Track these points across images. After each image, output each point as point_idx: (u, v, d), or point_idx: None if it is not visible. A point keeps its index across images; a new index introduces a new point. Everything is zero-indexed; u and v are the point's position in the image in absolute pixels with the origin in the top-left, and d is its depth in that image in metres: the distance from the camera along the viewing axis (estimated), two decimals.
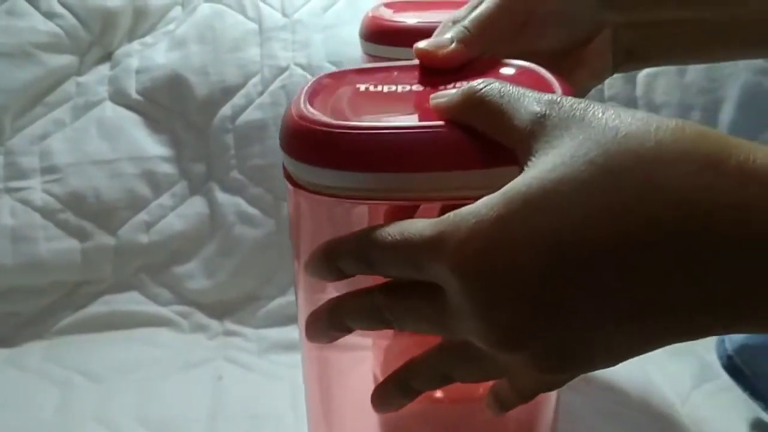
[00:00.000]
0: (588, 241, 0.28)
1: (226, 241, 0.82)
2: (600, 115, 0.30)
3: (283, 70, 0.86)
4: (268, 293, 0.82)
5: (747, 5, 0.45)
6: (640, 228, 0.27)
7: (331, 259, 0.36)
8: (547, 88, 0.38)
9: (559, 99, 0.32)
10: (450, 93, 0.36)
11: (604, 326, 0.29)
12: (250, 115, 0.85)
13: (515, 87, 0.34)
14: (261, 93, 0.85)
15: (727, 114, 0.85)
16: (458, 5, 0.75)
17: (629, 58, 0.48)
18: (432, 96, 0.37)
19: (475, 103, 0.34)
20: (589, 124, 0.30)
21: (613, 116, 0.30)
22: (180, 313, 0.81)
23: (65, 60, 0.88)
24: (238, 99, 0.85)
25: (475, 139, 0.34)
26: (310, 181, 0.36)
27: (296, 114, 0.37)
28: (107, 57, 0.90)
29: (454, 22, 0.46)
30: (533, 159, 0.30)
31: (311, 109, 0.37)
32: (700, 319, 0.29)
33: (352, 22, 0.87)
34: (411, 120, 0.37)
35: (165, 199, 0.83)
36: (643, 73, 0.86)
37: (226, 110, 0.85)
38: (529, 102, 0.32)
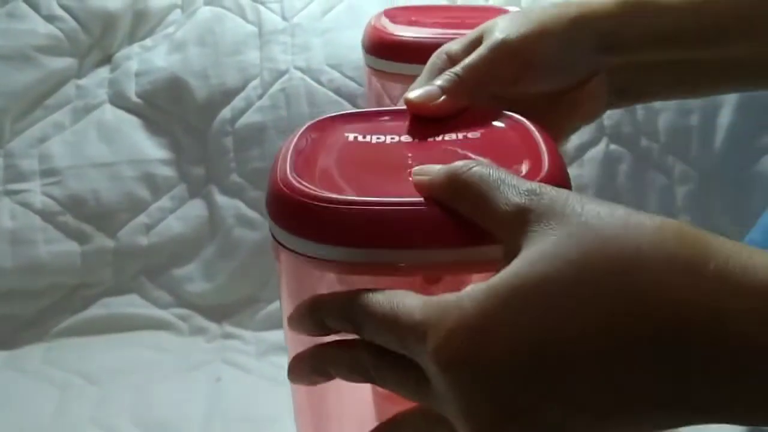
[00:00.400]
0: (566, 344, 0.28)
1: (226, 243, 0.82)
2: (579, 211, 0.30)
3: (282, 73, 0.87)
4: (266, 296, 0.82)
5: (738, 46, 0.46)
6: (617, 334, 0.28)
7: (317, 316, 0.36)
8: (531, 143, 0.38)
9: (538, 190, 0.32)
10: (432, 170, 0.36)
11: (582, 424, 0.29)
12: (250, 118, 0.85)
13: (497, 172, 0.34)
14: (260, 96, 0.86)
15: (725, 117, 0.86)
16: (457, 11, 0.75)
17: (622, 97, 0.48)
18: (414, 171, 0.37)
19: (456, 186, 0.34)
20: (568, 222, 0.30)
21: (593, 215, 0.30)
22: (179, 315, 0.81)
23: (65, 63, 0.88)
24: (237, 102, 0.86)
25: (455, 218, 0.34)
26: (291, 248, 0.36)
27: (281, 179, 0.37)
28: (107, 60, 0.91)
29: (449, 57, 0.45)
30: (516, 253, 0.31)
31: (296, 176, 0.36)
32: (679, 417, 0.29)
33: (351, 26, 0.87)
34: (395, 189, 0.37)
35: (164, 202, 0.84)
36: None
37: (225, 113, 0.85)
38: (509, 191, 0.32)
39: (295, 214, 0.35)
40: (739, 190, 0.84)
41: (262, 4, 0.91)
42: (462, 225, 0.34)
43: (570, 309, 0.28)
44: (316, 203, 0.35)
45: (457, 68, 0.43)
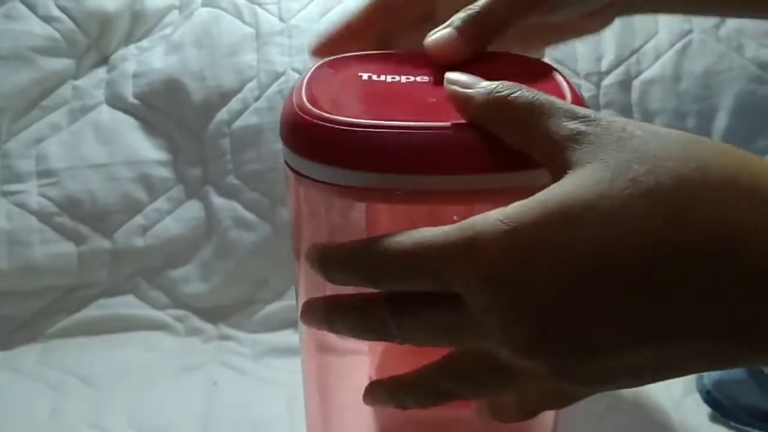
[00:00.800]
0: (623, 261, 0.28)
1: (222, 245, 0.82)
2: (639, 133, 0.30)
3: (279, 75, 0.87)
4: (263, 297, 0.82)
5: None
6: (674, 253, 0.27)
7: (326, 269, 0.35)
8: (557, 91, 0.37)
9: (594, 115, 0.31)
10: (471, 83, 0.34)
11: (630, 346, 0.29)
12: (247, 119, 0.85)
13: (547, 97, 0.33)
14: (257, 98, 0.86)
15: (721, 121, 0.86)
16: None
17: (623, 10, 0.47)
18: (447, 78, 0.35)
19: (501, 108, 0.33)
20: (628, 144, 0.29)
21: (653, 137, 0.29)
22: (175, 316, 0.81)
23: (62, 63, 0.88)
24: (234, 104, 0.85)
25: (483, 142, 0.33)
26: (309, 175, 0.35)
27: (297, 105, 0.35)
28: (104, 61, 0.91)
29: None
30: (570, 171, 0.30)
31: (312, 103, 0.35)
32: (730, 349, 0.28)
33: None
34: (415, 116, 0.35)
35: (161, 203, 0.84)
36: (638, 81, 0.87)
37: (222, 115, 0.85)
38: (564, 116, 0.32)
39: (313, 139, 0.34)
40: None
41: (260, 5, 0.91)
42: (491, 149, 0.32)
43: (627, 227, 0.28)
44: (333, 126, 0.33)
45: (476, 5, 0.41)
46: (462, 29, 0.40)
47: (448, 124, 0.34)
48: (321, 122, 0.34)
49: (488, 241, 0.29)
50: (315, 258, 0.35)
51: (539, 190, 0.31)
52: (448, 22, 0.41)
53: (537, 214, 0.29)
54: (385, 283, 0.33)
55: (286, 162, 0.36)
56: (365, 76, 0.40)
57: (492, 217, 0.30)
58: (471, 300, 0.31)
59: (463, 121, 0.34)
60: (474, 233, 0.30)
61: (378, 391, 0.38)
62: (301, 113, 0.35)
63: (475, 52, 0.41)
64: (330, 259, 0.35)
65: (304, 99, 0.35)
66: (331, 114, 0.34)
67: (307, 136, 0.34)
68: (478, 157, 0.33)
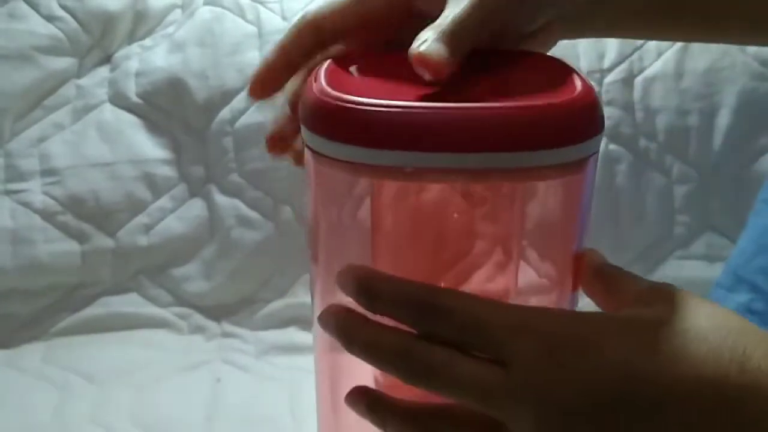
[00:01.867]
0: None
1: (225, 243, 0.82)
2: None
3: None
4: (266, 296, 0.82)
5: None
6: None
7: (370, 297, 0.34)
8: (570, 86, 0.37)
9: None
10: None
11: None
12: (250, 118, 0.85)
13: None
14: None
15: (723, 118, 0.86)
16: None
17: (566, 34, 0.45)
18: None
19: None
20: None
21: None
22: (178, 314, 0.81)
23: (65, 63, 0.88)
24: (237, 102, 0.86)
25: (497, 120, 0.33)
26: (331, 155, 0.34)
27: (318, 90, 0.35)
28: (107, 60, 0.91)
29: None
30: None
31: (333, 87, 0.35)
32: None
33: None
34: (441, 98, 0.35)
35: (164, 202, 0.84)
36: (641, 78, 0.87)
37: (225, 113, 0.85)
38: None
39: (340, 119, 0.34)
40: (737, 190, 0.84)
41: (262, 4, 0.91)
42: (513, 128, 0.33)
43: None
44: (362, 107, 0.33)
45: (452, 17, 0.37)
46: (448, 41, 0.37)
47: (463, 104, 0.34)
48: (344, 104, 0.34)
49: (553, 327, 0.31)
50: (356, 282, 0.34)
51: (548, 171, 0.32)
52: (426, 36, 0.37)
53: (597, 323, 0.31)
54: (444, 323, 0.32)
55: (307, 146, 0.37)
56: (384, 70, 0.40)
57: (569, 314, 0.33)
58: (516, 369, 0.31)
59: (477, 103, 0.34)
60: (534, 317, 0.31)
61: (359, 402, 0.37)
62: (324, 97, 0.35)
63: (457, 64, 0.38)
64: (378, 290, 0.34)
65: (324, 84, 0.36)
66: (352, 96, 0.34)
67: (332, 117, 0.35)
68: (493, 135, 0.33)
